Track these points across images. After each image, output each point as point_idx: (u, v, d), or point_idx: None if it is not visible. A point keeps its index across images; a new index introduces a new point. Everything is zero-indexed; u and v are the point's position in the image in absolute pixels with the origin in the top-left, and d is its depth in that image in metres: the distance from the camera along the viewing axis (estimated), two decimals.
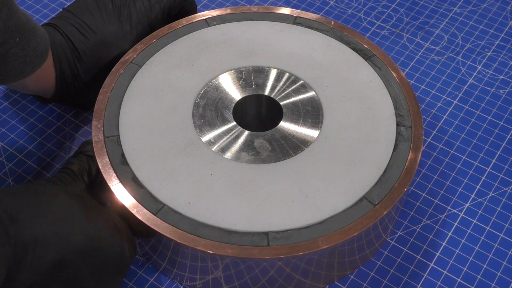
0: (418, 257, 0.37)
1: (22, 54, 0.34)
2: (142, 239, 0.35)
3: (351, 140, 0.36)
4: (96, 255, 0.30)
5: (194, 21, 0.43)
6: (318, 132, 0.36)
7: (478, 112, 0.45)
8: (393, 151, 0.35)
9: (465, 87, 0.47)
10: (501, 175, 0.41)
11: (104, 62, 0.41)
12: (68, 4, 0.53)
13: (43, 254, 0.27)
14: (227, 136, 0.36)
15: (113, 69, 0.40)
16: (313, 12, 0.52)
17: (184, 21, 0.43)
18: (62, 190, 0.31)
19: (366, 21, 0.52)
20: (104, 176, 0.34)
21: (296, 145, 0.36)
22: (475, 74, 0.48)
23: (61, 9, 0.46)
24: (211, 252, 0.31)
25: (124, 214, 0.33)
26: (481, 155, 0.42)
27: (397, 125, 0.37)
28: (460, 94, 0.46)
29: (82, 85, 0.41)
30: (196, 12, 0.46)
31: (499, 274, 0.36)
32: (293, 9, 0.44)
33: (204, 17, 0.43)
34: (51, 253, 0.28)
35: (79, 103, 0.43)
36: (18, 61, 0.34)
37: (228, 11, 0.44)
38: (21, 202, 0.29)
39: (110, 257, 0.31)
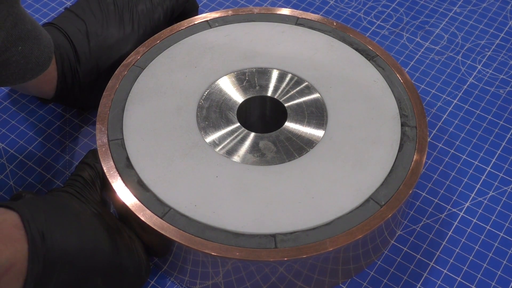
0: (418, 256, 0.37)
1: (23, 62, 0.34)
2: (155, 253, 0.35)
3: (356, 141, 0.36)
4: (114, 274, 0.30)
5: (196, 23, 0.43)
6: (323, 133, 0.37)
7: (478, 112, 0.46)
8: (398, 151, 0.36)
9: (465, 86, 0.47)
10: (501, 174, 0.42)
11: (105, 64, 0.41)
12: (69, 3, 0.53)
13: (69, 270, 0.28)
14: (232, 138, 0.37)
15: (116, 72, 0.40)
16: (313, 11, 0.52)
17: (186, 23, 0.43)
18: (85, 206, 0.32)
19: (366, 21, 0.52)
20: (110, 179, 0.34)
21: (301, 146, 0.36)
22: (475, 73, 0.48)
23: (63, 8, 0.45)
24: (218, 255, 0.31)
25: (131, 218, 0.33)
26: (481, 154, 0.43)
27: (402, 125, 0.37)
28: (460, 94, 0.47)
29: (83, 87, 0.41)
30: (197, 13, 0.46)
31: (499, 273, 0.37)
32: (295, 10, 0.44)
33: (206, 19, 0.43)
34: (77, 270, 0.28)
35: (80, 104, 0.43)
36: (19, 68, 0.34)
37: (230, 12, 0.44)
38: (51, 218, 0.29)
39: (127, 275, 0.31)
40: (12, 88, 0.46)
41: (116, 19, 0.41)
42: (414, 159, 0.35)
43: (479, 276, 0.37)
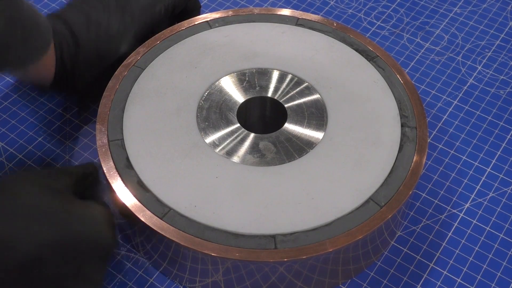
0: (418, 257, 0.37)
1: (23, 47, 0.34)
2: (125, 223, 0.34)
3: (356, 142, 0.36)
4: (76, 248, 0.28)
5: (196, 23, 0.43)
6: (323, 133, 0.37)
7: (478, 113, 0.46)
8: (398, 152, 0.36)
9: (465, 87, 0.47)
10: (501, 176, 0.42)
11: (105, 53, 0.40)
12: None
13: (10, 253, 0.26)
14: (232, 138, 0.37)
15: (116, 72, 0.40)
16: (313, 12, 0.52)
17: (186, 23, 0.43)
18: (30, 183, 0.30)
19: (366, 21, 0.52)
20: (110, 180, 0.34)
21: (301, 147, 0.36)
22: (475, 74, 0.48)
23: (65, 1, 0.45)
24: (218, 255, 0.31)
25: (131, 218, 0.33)
26: (481, 155, 0.43)
27: (402, 126, 0.37)
28: (460, 95, 0.47)
29: (82, 74, 0.40)
30: (199, 12, 0.46)
31: (499, 274, 0.37)
32: (296, 11, 0.44)
33: (206, 19, 0.43)
34: (21, 252, 0.26)
35: (79, 93, 0.43)
36: (19, 53, 0.34)
37: (230, 13, 0.44)
38: None
39: (91, 247, 0.29)
40: (12, 88, 0.46)
41: (118, 11, 0.41)
42: (414, 160, 0.35)
43: (479, 277, 0.37)
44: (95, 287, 0.30)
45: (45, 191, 0.29)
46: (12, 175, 0.32)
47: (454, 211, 0.40)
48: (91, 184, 0.35)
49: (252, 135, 0.37)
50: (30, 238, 0.27)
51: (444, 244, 0.38)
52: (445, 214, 0.40)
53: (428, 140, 0.43)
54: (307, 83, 0.39)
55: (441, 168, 0.42)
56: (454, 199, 0.40)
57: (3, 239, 0.26)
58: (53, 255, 0.27)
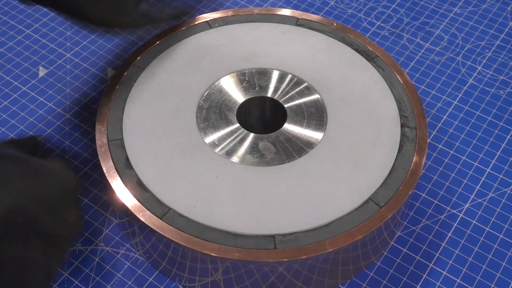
0: (418, 257, 0.37)
1: None
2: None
3: (356, 142, 0.36)
4: (48, 194, 0.30)
5: (196, 23, 0.43)
6: (323, 134, 0.37)
7: (478, 113, 0.46)
8: (398, 152, 0.36)
9: (465, 87, 0.47)
10: (501, 176, 0.42)
11: None
12: None
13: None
14: (231, 139, 0.37)
15: (116, 72, 0.40)
16: (313, 12, 0.52)
17: (186, 23, 0.43)
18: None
19: (366, 22, 0.52)
20: (109, 180, 0.34)
21: (301, 147, 0.36)
22: (475, 74, 0.48)
23: None
24: (218, 255, 0.31)
25: (130, 218, 0.33)
26: (481, 155, 0.43)
27: (402, 126, 0.37)
28: (460, 95, 0.47)
29: None
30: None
31: (498, 275, 0.37)
32: (295, 11, 0.44)
33: (206, 19, 0.43)
34: (1, 206, 0.28)
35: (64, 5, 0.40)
36: None
37: (230, 13, 0.44)
38: None
39: (56, 191, 0.31)
40: (12, 88, 0.46)
41: None
42: (413, 160, 0.35)
43: (478, 277, 0.37)
44: (72, 228, 0.31)
45: (9, 153, 0.31)
46: None
47: (453, 211, 0.40)
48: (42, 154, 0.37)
49: (251, 135, 0.37)
50: (6, 193, 0.28)
51: (443, 244, 0.38)
52: (444, 215, 0.40)
53: (428, 140, 0.43)
54: (306, 83, 0.39)
55: (440, 169, 0.42)
56: (454, 199, 0.40)
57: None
58: (29, 203, 0.29)
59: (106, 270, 0.36)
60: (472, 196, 0.41)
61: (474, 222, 0.39)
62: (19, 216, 0.29)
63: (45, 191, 0.30)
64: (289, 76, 0.40)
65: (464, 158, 0.43)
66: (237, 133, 0.37)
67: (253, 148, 0.36)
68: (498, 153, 0.43)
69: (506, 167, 0.42)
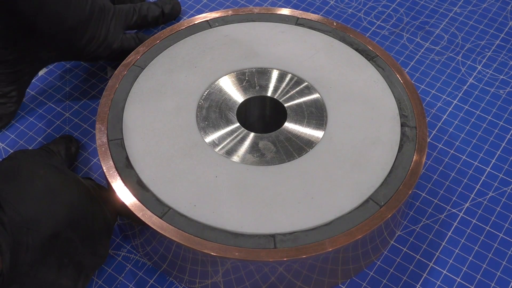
0: (418, 256, 0.37)
1: None
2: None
3: (356, 141, 0.36)
4: (82, 222, 0.31)
5: (196, 22, 0.43)
6: (323, 133, 0.37)
7: (478, 112, 0.46)
8: (398, 151, 0.36)
9: (465, 87, 0.47)
10: (501, 175, 0.42)
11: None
12: None
13: (36, 232, 0.29)
14: (231, 138, 0.37)
15: (116, 71, 0.40)
16: (313, 12, 0.52)
17: (186, 23, 0.43)
18: (39, 165, 0.32)
19: (366, 21, 0.52)
20: (109, 179, 0.34)
21: (301, 146, 0.36)
22: (475, 74, 0.48)
23: None
24: (218, 255, 0.31)
25: (130, 217, 0.33)
26: (481, 155, 0.43)
27: (402, 125, 0.37)
28: (460, 94, 0.47)
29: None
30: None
31: (498, 274, 0.37)
32: (295, 10, 0.44)
33: (206, 19, 0.43)
34: (43, 230, 0.29)
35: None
36: None
37: (230, 12, 0.44)
38: (4, 187, 0.29)
39: (95, 221, 0.32)
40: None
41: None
42: (413, 160, 0.35)
43: (478, 276, 0.37)
44: (102, 260, 0.33)
45: (51, 171, 0.32)
46: (21, 159, 0.33)
47: (453, 210, 0.40)
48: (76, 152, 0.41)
49: (251, 134, 0.37)
50: (47, 217, 0.30)
51: (443, 243, 0.38)
52: (444, 214, 0.40)
53: (428, 140, 0.43)
54: (306, 83, 0.39)
55: (440, 168, 0.42)
56: (454, 198, 0.40)
57: (30, 219, 0.29)
58: (65, 230, 0.30)
59: (108, 274, 0.36)
60: (472, 195, 0.41)
61: (474, 221, 0.39)
62: (60, 244, 0.30)
63: (89, 223, 0.31)
64: (289, 76, 0.40)
65: (464, 157, 0.43)
66: (237, 133, 0.37)
67: (253, 148, 0.36)
68: (498, 152, 0.43)
69: (506, 166, 0.42)
